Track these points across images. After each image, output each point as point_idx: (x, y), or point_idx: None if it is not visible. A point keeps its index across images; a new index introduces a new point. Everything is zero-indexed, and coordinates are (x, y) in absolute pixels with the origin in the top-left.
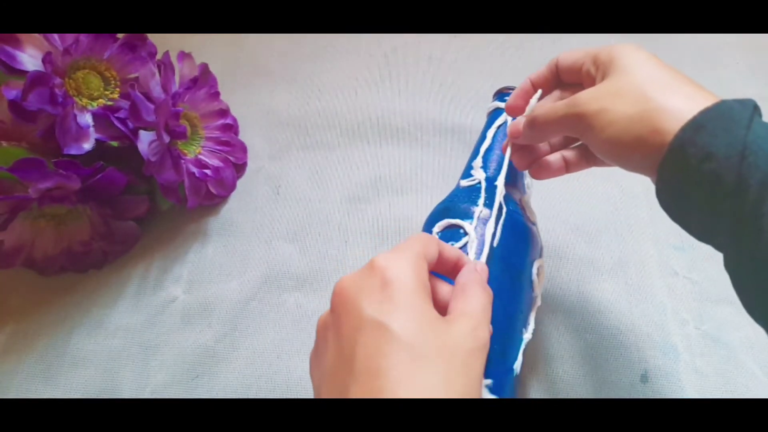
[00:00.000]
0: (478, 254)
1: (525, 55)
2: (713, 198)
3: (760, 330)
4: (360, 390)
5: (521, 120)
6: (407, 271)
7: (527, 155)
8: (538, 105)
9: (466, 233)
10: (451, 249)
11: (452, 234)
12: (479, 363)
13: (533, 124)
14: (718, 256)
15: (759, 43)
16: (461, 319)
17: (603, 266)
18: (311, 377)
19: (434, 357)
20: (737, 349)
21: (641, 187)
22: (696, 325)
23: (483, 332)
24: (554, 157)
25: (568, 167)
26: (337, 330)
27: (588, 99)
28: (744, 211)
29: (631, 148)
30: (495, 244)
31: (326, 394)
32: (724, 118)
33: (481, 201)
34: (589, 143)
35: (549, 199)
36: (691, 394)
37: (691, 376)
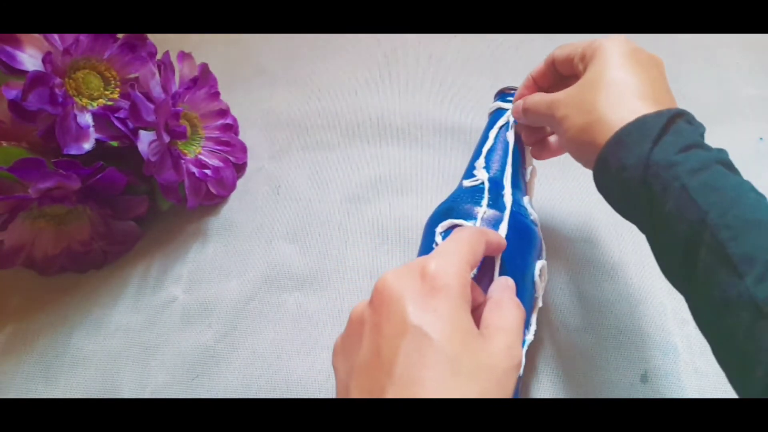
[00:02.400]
0: None
1: (524, 55)
2: (629, 197)
3: None
4: (397, 395)
5: (520, 103)
6: (455, 282)
7: (534, 132)
8: (533, 95)
9: None
10: (496, 237)
11: None
12: (512, 381)
13: (526, 111)
14: None
15: (759, 43)
16: (498, 336)
17: (603, 266)
18: (334, 365)
19: (473, 373)
20: None
21: None
22: (696, 325)
23: (517, 350)
24: (553, 138)
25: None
26: (377, 328)
27: (559, 104)
28: (652, 209)
29: (579, 152)
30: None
31: (356, 390)
32: (638, 132)
33: (484, 201)
34: (559, 139)
35: (549, 199)
36: (691, 394)
37: (691, 376)
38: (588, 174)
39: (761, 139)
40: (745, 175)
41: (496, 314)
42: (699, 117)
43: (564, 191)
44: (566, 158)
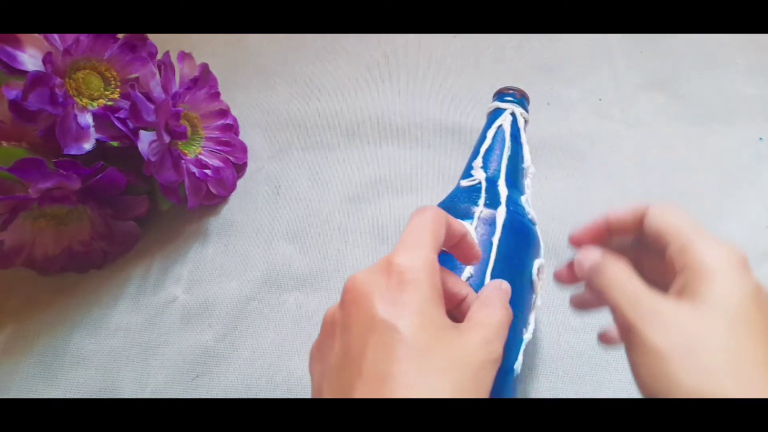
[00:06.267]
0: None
1: (525, 55)
2: None
3: None
4: (366, 392)
5: (592, 258)
6: (423, 275)
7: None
8: (619, 271)
9: None
10: (458, 224)
11: None
12: (490, 376)
13: (598, 283)
14: None
15: (759, 43)
16: (475, 330)
17: None
18: (311, 370)
19: (444, 366)
20: None
21: (641, 187)
22: None
23: (496, 345)
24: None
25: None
26: (346, 327)
27: (653, 334)
28: None
29: None
30: (497, 245)
31: (328, 390)
32: None
33: (481, 201)
34: (629, 360)
35: (549, 199)
36: None
37: None
38: (588, 174)
39: (761, 139)
40: (745, 175)
41: (481, 311)
42: (699, 117)
43: (564, 191)
44: (566, 158)
